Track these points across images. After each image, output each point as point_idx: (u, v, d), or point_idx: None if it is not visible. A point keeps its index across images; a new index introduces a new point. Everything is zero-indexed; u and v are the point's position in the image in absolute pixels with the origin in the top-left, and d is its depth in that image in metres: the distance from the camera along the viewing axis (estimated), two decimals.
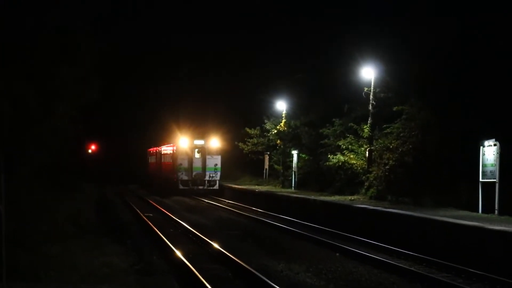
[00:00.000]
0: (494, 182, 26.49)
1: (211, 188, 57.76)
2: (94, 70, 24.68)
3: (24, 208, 21.78)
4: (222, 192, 57.67)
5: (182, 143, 57.73)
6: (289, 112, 54.89)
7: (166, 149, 64.44)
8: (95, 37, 24.46)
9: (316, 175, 47.59)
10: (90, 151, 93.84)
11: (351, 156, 40.48)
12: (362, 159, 39.73)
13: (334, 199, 36.88)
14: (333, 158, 41.27)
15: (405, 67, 36.37)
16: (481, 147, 27.51)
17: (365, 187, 37.84)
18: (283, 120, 54.75)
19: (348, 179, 41.28)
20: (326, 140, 45.64)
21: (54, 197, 29.27)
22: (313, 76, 54.03)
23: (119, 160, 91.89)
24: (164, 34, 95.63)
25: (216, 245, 23.99)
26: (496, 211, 26.06)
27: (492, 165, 26.82)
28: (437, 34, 35.72)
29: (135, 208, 42.00)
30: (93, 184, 61.94)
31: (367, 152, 38.78)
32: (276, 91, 56.72)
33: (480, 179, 27.44)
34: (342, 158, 40.66)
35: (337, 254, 23.47)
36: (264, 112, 58.93)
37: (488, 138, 27.20)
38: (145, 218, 34.84)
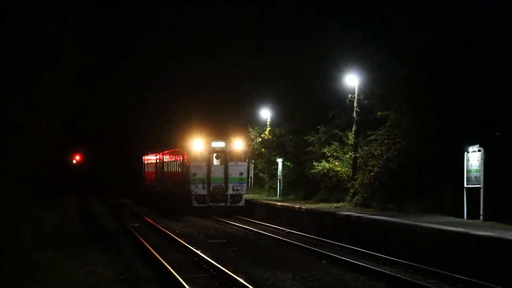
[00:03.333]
0: (479, 188, 26.55)
1: (235, 205, 44.52)
2: (78, 78, 24.57)
3: (8, 217, 21.64)
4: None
5: (196, 146, 44.42)
6: (274, 120, 54.85)
7: (171, 155, 52.27)
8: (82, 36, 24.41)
9: (301, 182, 47.59)
10: (74, 161, 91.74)
11: (336, 163, 40.50)
12: (347, 166, 39.78)
13: (319, 206, 36.86)
14: (318, 166, 41.28)
15: (388, 74, 36.46)
16: (466, 153, 27.58)
17: (351, 194, 37.87)
18: (268, 128, 54.69)
19: (333, 187, 41.30)
20: (311, 148, 45.65)
21: (38, 207, 29.13)
22: (297, 83, 54.06)
23: (108, 171, 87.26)
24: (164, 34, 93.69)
25: (201, 254, 23.91)
26: (481, 217, 26.12)
27: (476, 170, 26.89)
28: (420, 41, 35.89)
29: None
30: (77, 197, 57.30)
31: (352, 159, 38.82)
32: (260, 99, 56.61)
33: (465, 185, 27.50)
34: (327, 165, 40.68)
35: (323, 261, 23.43)
36: (248, 121, 58.77)
37: (472, 144, 27.28)
38: None
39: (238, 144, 45.13)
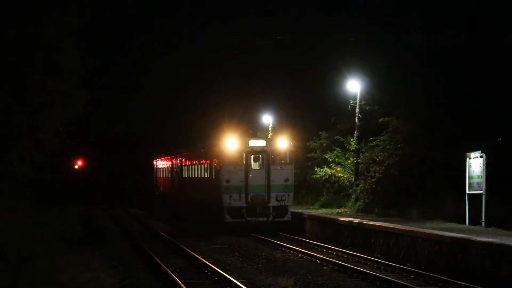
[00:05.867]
0: (481, 194, 26.50)
1: (280, 220, 35.31)
2: (81, 83, 24.59)
3: (8, 223, 21.62)
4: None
5: (229, 145, 35.40)
6: (276, 126, 54.73)
7: (194, 158, 43.25)
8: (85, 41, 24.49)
9: (303, 188, 47.55)
10: (76, 167, 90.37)
11: (338, 169, 40.48)
12: (349, 172, 39.76)
13: (321, 212, 36.81)
14: (320, 171, 41.26)
15: (390, 80, 36.53)
16: (467, 159, 27.55)
17: (352, 199, 37.86)
18: (270, 134, 54.55)
19: (335, 192, 41.31)
20: (312, 153, 45.62)
21: (39, 213, 29.08)
22: (299, 89, 54.03)
23: (114, 177, 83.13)
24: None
25: (203, 260, 23.88)
26: (483, 223, 26.08)
27: (478, 176, 26.84)
28: (420, 47, 35.99)
29: None
30: (80, 206, 51.11)
31: (353, 165, 38.82)
32: (262, 105, 56.50)
33: (467, 191, 27.46)
34: (329, 171, 40.66)
35: (325, 267, 23.42)
36: (250, 126, 58.58)
37: (474, 150, 27.26)
38: None
39: (282, 143, 36.20)
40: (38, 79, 22.05)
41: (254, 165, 35.70)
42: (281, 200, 35.12)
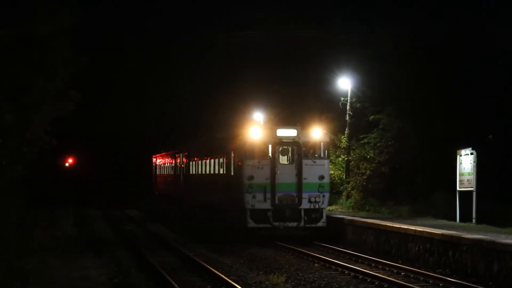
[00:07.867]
0: (471, 191, 26.60)
1: (313, 225, 29.71)
2: (75, 81, 24.57)
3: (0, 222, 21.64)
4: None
5: (253, 134, 29.59)
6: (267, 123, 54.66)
7: (204, 151, 37.39)
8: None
9: None
10: (67, 164, 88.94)
11: None
12: (339, 170, 39.82)
13: None
14: None
15: (382, 77, 36.62)
16: (458, 156, 27.65)
17: (343, 197, 37.95)
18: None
19: None
20: None
21: (31, 212, 29.03)
22: (290, 86, 54.06)
23: (109, 175, 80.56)
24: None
25: (195, 257, 23.89)
26: (473, 220, 26.18)
27: (469, 173, 26.94)
28: (412, 43, 36.09)
29: None
30: (72, 207, 46.67)
31: (344, 162, 38.89)
32: (253, 102, 56.46)
33: (458, 188, 27.56)
34: None
35: (316, 264, 23.47)
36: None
37: (465, 147, 27.35)
38: None
39: (316, 133, 30.11)
40: (29, 77, 22.03)
41: (283, 159, 30.17)
42: (315, 202, 29.56)
